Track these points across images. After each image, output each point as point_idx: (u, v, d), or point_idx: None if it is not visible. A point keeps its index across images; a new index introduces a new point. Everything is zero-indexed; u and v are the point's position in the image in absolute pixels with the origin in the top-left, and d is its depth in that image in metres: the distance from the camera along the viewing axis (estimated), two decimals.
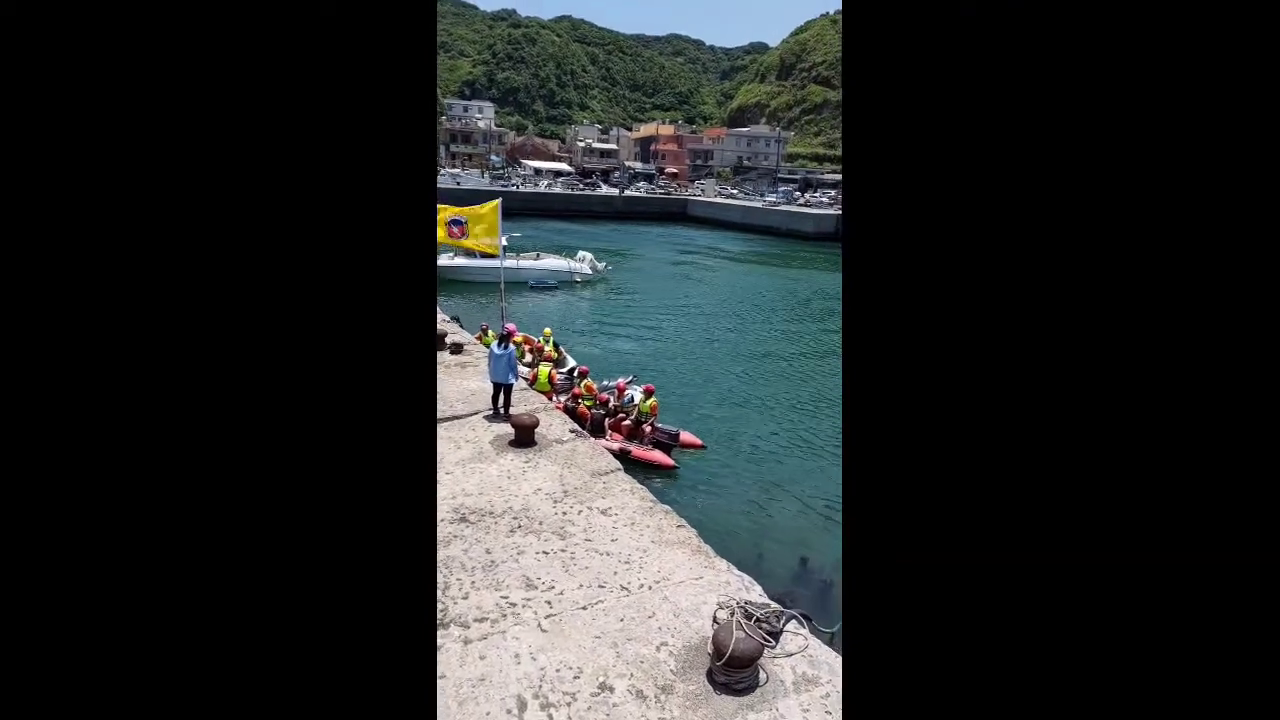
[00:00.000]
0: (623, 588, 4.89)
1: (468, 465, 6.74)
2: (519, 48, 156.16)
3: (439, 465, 6.75)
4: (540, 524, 5.70)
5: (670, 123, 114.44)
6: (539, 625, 4.43)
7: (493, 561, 5.11)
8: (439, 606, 4.55)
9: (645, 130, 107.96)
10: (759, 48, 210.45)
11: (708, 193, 67.24)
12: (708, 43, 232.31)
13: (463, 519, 5.71)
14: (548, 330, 13.15)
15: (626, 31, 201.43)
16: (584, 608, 4.63)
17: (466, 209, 8.24)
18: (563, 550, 5.32)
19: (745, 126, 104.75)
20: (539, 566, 5.08)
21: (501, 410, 8.08)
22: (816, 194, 71.31)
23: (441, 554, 5.17)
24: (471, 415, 8.09)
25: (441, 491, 6.17)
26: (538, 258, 24.69)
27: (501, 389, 8.06)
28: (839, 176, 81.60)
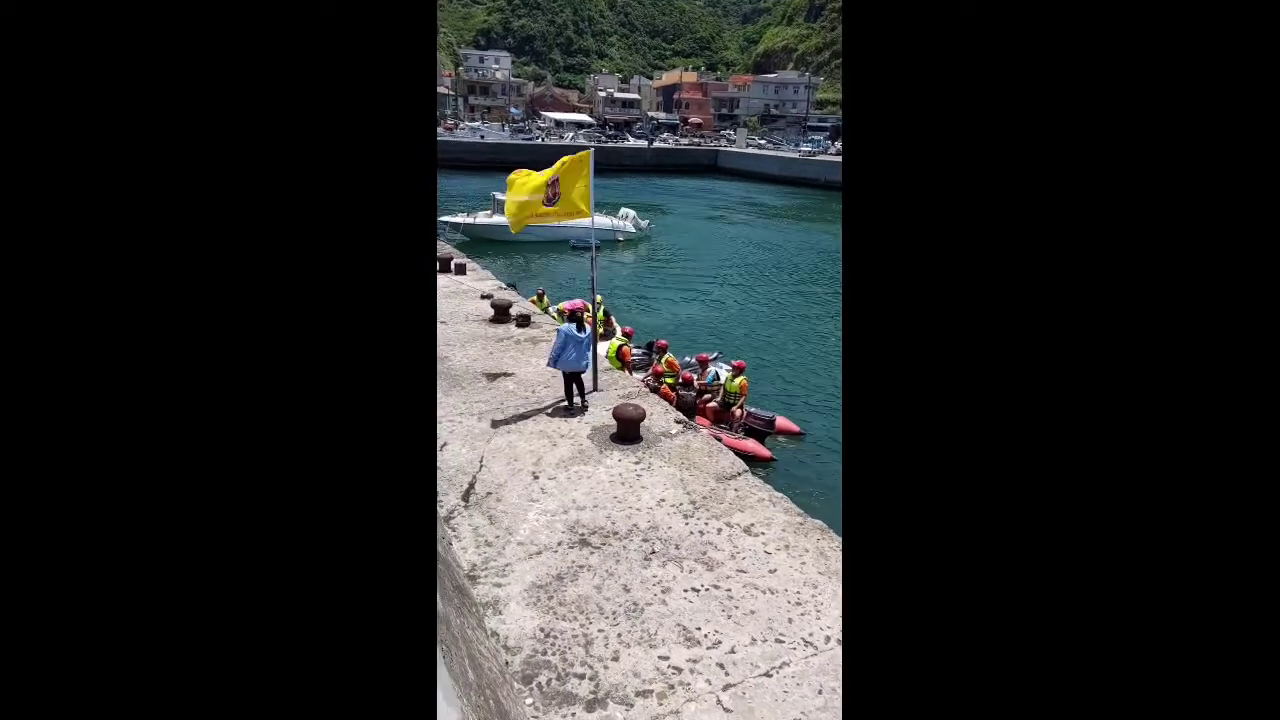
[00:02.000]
0: (806, 642, 3.91)
1: (571, 468, 5.76)
2: None
3: (537, 465, 5.78)
4: (677, 548, 4.72)
5: (693, 70, 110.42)
6: (718, 701, 3.47)
7: (635, 604, 4.15)
8: (589, 672, 3.62)
9: (668, 79, 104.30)
10: None
11: (739, 143, 64.65)
12: None
13: (584, 541, 4.75)
14: (599, 297, 12.00)
15: None
16: (767, 674, 3.66)
17: (553, 169, 6.72)
18: (715, 586, 4.34)
19: (772, 72, 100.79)
20: (694, 611, 4.11)
21: (579, 401, 7.00)
22: None
23: (572, 591, 4.22)
24: (560, 403, 7.09)
25: (550, 503, 5.21)
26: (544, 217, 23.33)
27: (575, 379, 6.94)
28: None
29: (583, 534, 4.85)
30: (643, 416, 6.23)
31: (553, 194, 6.70)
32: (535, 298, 12.43)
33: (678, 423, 6.76)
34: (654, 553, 4.67)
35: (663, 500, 5.34)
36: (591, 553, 4.64)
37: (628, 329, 10.62)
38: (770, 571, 4.52)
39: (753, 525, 5.04)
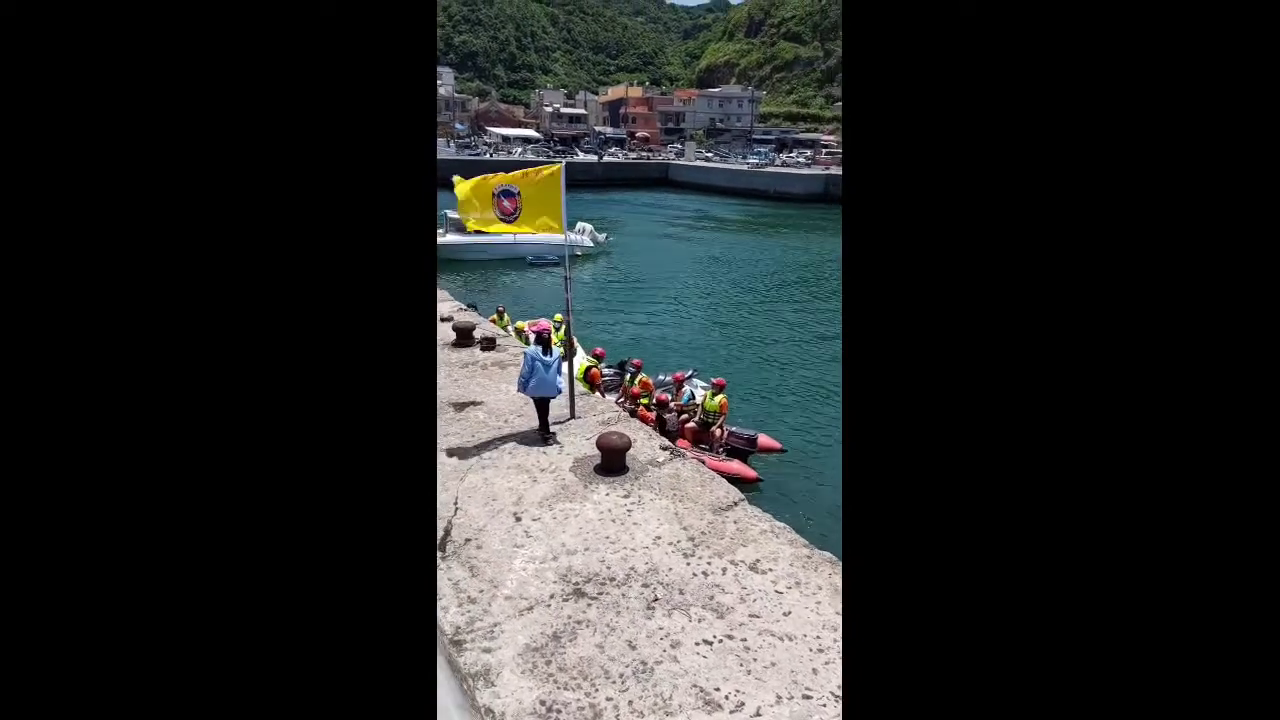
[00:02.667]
0: (836, 696, 3.54)
1: (556, 506, 5.30)
2: (475, 9, 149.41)
3: (519, 504, 5.30)
4: (682, 593, 4.32)
5: (638, 85, 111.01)
6: None
7: (644, 664, 3.72)
8: None
9: (613, 93, 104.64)
10: (720, 5, 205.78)
11: (688, 156, 65.18)
12: (668, 0, 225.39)
13: (579, 591, 4.30)
14: (559, 316, 11.55)
15: None
16: None
17: (517, 175, 6.26)
18: (729, 636, 3.95)
19: (715, 87, 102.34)
20: (709, 668, 3.71)
21: (548, 430, 6.51)
22: (793, 154, 69.73)
23: (572, 653, 3.77)
24: (532, 431, 6.61)
25: (536, 549, 4.74)
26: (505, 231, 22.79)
27: (546, 404, 6.46)
28: (815, 135, 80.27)
29: (577, 582, 4.40)
30: (628, 446, 5.81)
31: (513, 207, 6.25)
32: (495, 316, 11.89)
33: (664, 449, 6.37)
34: (657, 600, 4.25)
35: (659, 538, 4.93)
36: (589, 604, 4.19)
37: (598, 350, 10.15)
38: (785, 614, 4.15)
39: (758, 561, 4.67)
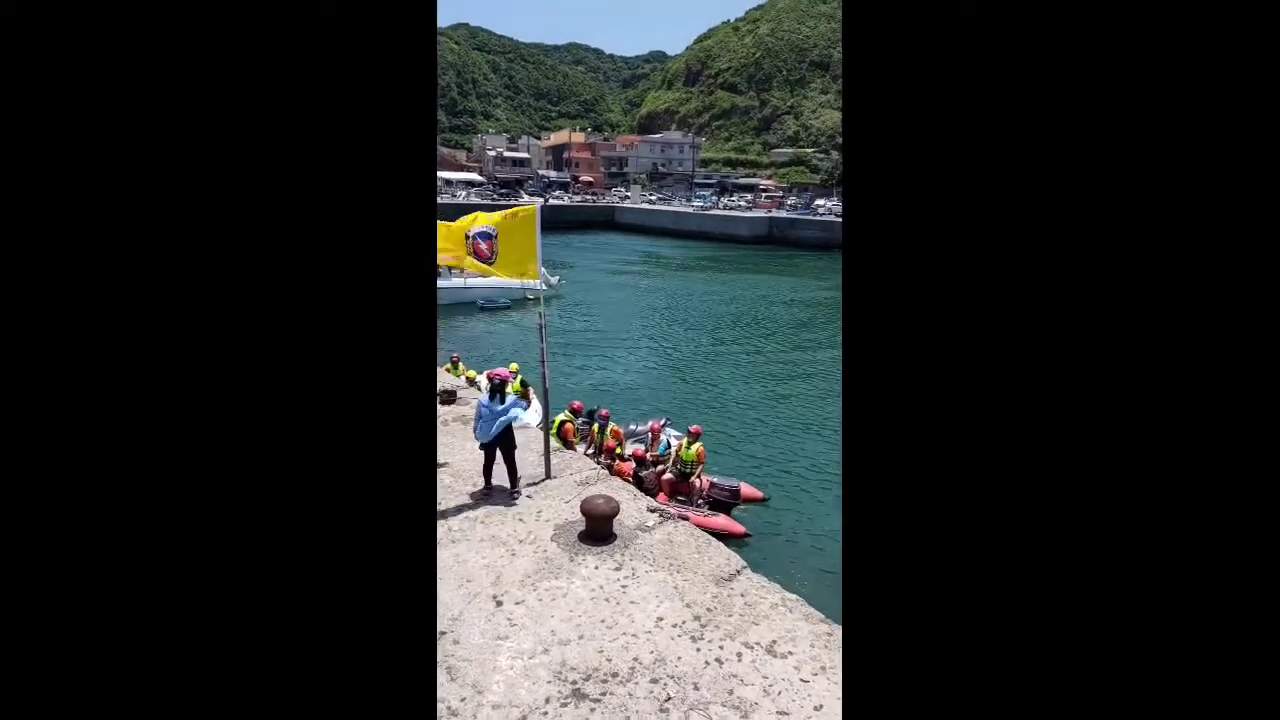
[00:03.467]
0: None
1: (540, 585, 4.68)
2: None
3: (497, 584, 4.66)
4: (696, 687, 3.76)
5: (581, 130, 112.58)
6: None
7: None
8: None
9: (556, 138, 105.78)
10: (658, 56, 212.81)
11: (633, 199, 65.91)
12: (607, 51, 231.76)
13: (578, 693, 3.69)
14: (514, 365, 10.92)
15: (525, 40, 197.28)
16: None
17: (496, 216, 5.81)
18: None
19: (657, 133, 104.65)
20: None
21: (509, 486, 6.02)
22: (733, 198, 71.52)
23: None
24: (504, 494, 5.98)
25: (524, 640, 4.11)
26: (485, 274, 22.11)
27: (491, 453, 5.97)
28: (754, 180, 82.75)
29: (574, 680, 3.79)
30: (616, 511, 5.26)
31: (489, 249, 5.74)
32: (449, 365, 11.18)
33: (651, 511, 5.84)
34: (669, 700, 3.67)
35: (661, 619, 4.37)
36: (592, 708, 3.59)
37: (576, 404, 9.46)
38: (816, 709, 3.64)
39: (775, 643, 4.16)
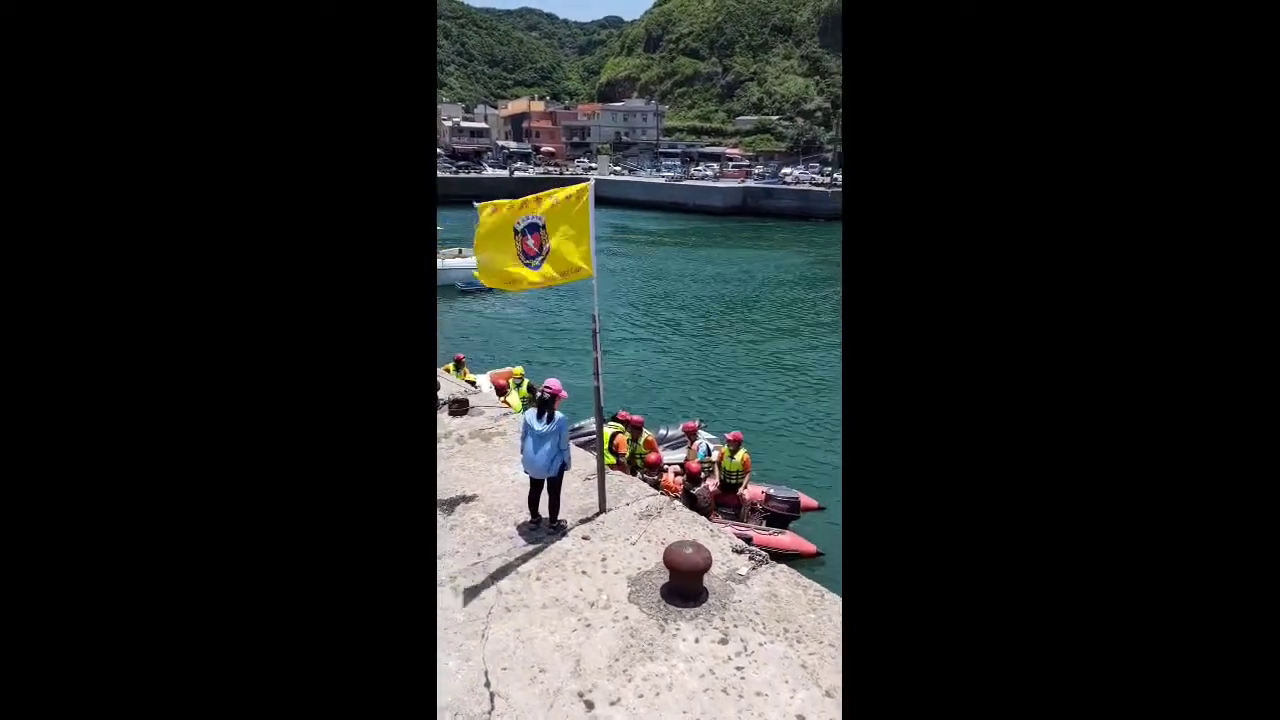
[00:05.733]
0: None
1: (634, 671, 3.68)
2: None
3: (578, 674, 3.65)
4: None
5: (540, 99, 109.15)
6: None
7: None
8: None
9: (515, 107, 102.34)
10: (614, 21, 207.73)
11: (601, 170, 64.08)
12: (561, 16, 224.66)
13: None
14: (519, 369, 9.69)
15: (476, 3, 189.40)
16: None
17: (546, 201, 4.51)
18: None
19: (618, 101, 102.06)
20: None
21: (548, 518, 5.05)
22: (700, 167, 70.11)
23: None
24: (555, 535, 4.94)
25: None
26: (460, 254, 20.62)
27: (539, 486, 5.01)
28: (720, 149, 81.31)
29: None
30: (709, 564, 4.28)
31: (537, 245, 4.58)
32: (450, 366, 9.94)
33: (737, 553, 4.87)
34: None
35: (801, 716, 3.42)
36: None
37: (637, 418, 7.78)
38: None
39: None
